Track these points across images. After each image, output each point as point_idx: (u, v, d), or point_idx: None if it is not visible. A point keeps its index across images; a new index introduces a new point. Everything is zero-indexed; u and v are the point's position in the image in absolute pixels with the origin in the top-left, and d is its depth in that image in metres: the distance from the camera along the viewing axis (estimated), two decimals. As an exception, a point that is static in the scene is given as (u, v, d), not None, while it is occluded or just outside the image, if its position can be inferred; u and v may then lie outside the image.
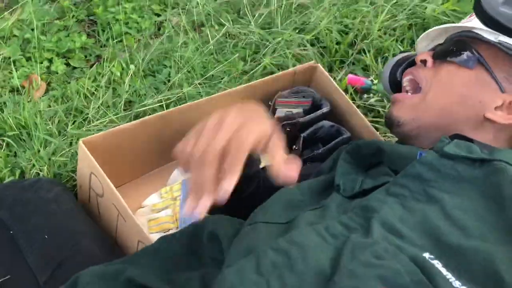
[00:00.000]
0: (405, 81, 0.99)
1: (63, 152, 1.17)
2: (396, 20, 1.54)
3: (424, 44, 1.06)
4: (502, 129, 0.87)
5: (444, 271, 0.57)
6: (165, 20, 1.79)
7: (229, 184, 0.55)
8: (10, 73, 1.55)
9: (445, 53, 0.93)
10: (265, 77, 1.19)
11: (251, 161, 0.89)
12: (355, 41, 1.52)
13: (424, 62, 0.96)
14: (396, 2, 1.60)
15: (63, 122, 1.29)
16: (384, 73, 1.08)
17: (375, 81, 1.37)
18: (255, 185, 0.94)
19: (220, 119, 0.60)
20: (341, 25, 1.55)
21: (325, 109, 1.18)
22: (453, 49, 0.92)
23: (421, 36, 1.04)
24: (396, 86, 1.06)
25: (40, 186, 1.02)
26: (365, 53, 1.47)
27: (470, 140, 0.81)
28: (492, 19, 0.86)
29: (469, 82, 0.89)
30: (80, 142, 1.04)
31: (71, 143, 1.22)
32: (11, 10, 1.81)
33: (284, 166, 0.59)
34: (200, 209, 0.56)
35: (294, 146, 1.14)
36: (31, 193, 0.99)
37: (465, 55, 0.90)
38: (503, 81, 0.87)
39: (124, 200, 0.97)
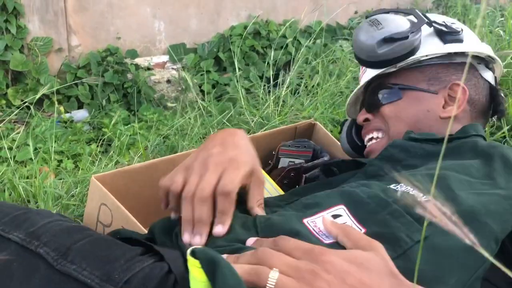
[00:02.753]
0: (367, 141, 1.07)
1: (71, 201, 1.18)
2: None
3: (352, 110, 1.18)
4: (461, 115, 0.96)
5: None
6: (171, 135, 1.92)
7: (223, 229, 0.62)
8: (18, 170, 1.62)
9: (374, 103, 1.03)
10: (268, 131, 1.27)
11: None
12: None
13: (366, 120, 1.05)
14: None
15: (72, 188, 1.32)
16: (343, 144, 1.18)
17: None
18: None
19: (204, 159, 0.66)
20: (333, 119, 1.69)
21: (326, 158, 1.25)
22: (376, 95, 1.02)
23: (346, 107, 1.17)
24: (358, 147, 1.15)
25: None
26: (358, 137, 1.59)
27: None
28: (378, 63, 0.96)
29: (407, 107, 0.98)
30: (92, 177, 1.07)
31: (82, 200, 1.24)
32: (24, 124, 1.97)
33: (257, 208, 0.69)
34: (199, 243, 0.62)
35: (297, 186, 1.18)
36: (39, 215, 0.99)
37: (388, 93, 1.00)
38: (428, 87, 0.97)
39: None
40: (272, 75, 2.17)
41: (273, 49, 2.53)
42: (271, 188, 1.21)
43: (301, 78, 2.27)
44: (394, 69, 0.99)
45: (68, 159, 1.72)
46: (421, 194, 0.66)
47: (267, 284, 0.48)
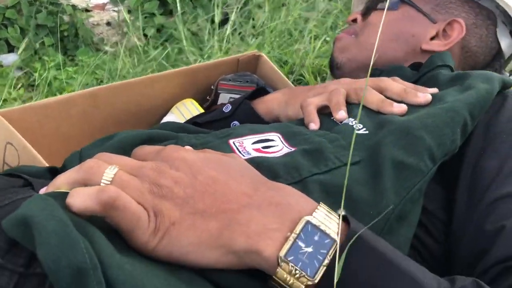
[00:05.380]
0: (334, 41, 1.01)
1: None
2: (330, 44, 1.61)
3: (360, 7, 1.09)
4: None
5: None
6: (106, 78, 1.78)
7: None
8: None
9: (371, 5, 0.97)
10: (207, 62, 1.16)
11: None
12: (293, 70, 1.56)
13: (354, 20, 0.99)
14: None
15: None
16: None
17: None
18: None
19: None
20: (280, 59, 1.59)
21: (269, 95, 1.15)
22: (375, 0, 0.96)
23: (352, 1, 1.08)
24: None
25: None
26: (304, 77, 1.49)
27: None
28: None
29: (396, 20, 0.91)
30: (-4, 112, 0.95)
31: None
32: None
33: None
34: None
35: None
36: None
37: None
38: (431, 13, 0.90)
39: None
40: (221, 18, 2.03)
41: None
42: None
43: (250, 13, 2.13)
44: None
45: (-9, 105, 1.57)
46: (360, 126, 0.60)
47: (102, 179, 0.39)
